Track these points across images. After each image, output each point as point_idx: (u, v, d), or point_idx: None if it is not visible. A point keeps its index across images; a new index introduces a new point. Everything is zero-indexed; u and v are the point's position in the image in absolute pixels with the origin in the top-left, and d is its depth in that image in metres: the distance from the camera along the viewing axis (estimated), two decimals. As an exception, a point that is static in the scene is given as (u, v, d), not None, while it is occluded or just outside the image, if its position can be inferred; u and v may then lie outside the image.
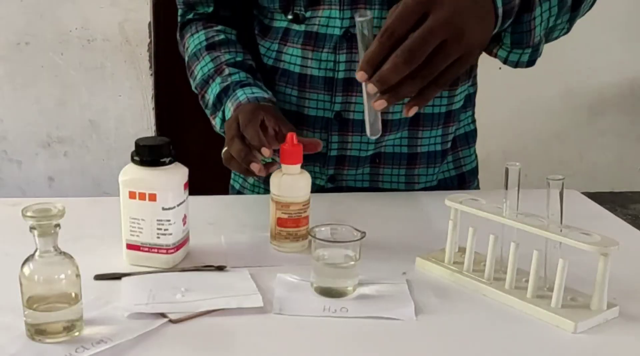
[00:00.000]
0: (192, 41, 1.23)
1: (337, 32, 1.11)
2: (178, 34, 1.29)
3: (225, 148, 1.04)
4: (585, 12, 1.05)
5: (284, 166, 0.97)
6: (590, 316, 0.80)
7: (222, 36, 1.21)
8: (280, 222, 0.96)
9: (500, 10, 0.84)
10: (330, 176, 1.19)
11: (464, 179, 1.27)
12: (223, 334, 0.77)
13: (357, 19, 0.84)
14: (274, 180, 0.97)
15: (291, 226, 0.96)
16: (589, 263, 0.82)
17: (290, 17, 1.14)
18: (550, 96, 3.42)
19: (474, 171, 1.29)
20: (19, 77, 2.88)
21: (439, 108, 1.16)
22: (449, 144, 1.22)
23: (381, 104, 0.80)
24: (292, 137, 0.96)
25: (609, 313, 0.81)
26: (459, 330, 0.79)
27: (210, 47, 1.20)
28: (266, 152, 0.98)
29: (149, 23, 2.86)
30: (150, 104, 2.95)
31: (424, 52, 0.76)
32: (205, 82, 1.17)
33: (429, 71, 0.78)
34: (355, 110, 1.13)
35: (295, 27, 1.15)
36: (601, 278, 0.80)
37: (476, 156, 1.30)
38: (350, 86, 1.12)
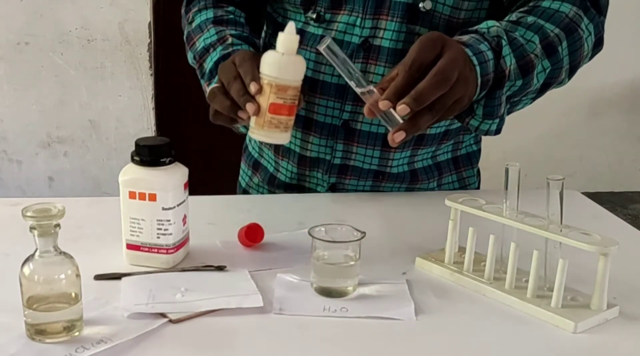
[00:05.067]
0: (199, 16, 1.18)
1: (355, 40, 1.09)
2: (183, 9, 1.24)
3: (214, 85, 0.99)
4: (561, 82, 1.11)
5: (280, 45, 0.91)
6: (590, 316, 0.80)
7: (230, 16, 1.17)
8: (273, 108, 0.91)
9: (479, 81, 0.93)
10: (332, 184, 1.19)
11: None
12: (223, 334, 0.77)
13: (322, 47, 0.89)
14: (270, 60, 0.91)
15: (284, 114, 0.91)
16: (589, 263, 0.82)
17: (313, 15, 1.12)
18: (550, 96, 3.42)
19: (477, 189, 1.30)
20: (19, 77, 2.88)
21: (440, 128, 1.17)
22: (439, 158, 1.22)
23: (400, 135, 0.88)
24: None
25: (609, 313, 0.81)
26: (459, 330, 0.79)
27: (218, 22, 1.16)
28: (255, 86, 0.91)
29: (149, 23, 2.86)
30: (150, 104, 2.95)
31: (451, 78, 0.86)
32: (206, 50, 1.13)
33: (440, 105, 0.87)
34: (363, 121, 1.13)
35: (312, 29, 1.13)
36: (601, 278, 0.80)
37: (479, 175, 1.30)
38: None
